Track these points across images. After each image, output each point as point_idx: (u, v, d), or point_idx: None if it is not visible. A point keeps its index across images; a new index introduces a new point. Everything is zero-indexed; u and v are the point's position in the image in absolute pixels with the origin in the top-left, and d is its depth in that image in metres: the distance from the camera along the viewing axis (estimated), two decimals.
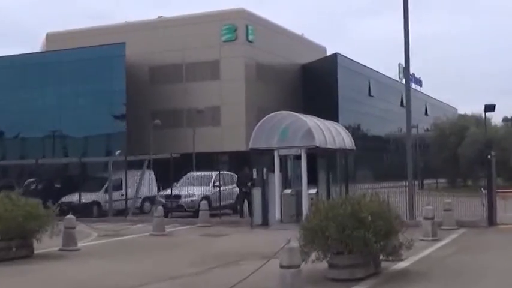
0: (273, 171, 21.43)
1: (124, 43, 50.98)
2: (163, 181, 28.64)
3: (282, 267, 9.06)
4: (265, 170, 21.91)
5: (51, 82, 52.63)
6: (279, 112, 22.26)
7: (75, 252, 15.76)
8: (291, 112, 22.28)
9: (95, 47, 51.77)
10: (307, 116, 22.24)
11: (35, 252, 15.15)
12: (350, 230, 10.58)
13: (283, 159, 22.48)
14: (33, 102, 52.82)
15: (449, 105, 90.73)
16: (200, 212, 22.93)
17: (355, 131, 54.27)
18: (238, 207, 25.40)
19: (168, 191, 26.10)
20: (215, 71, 54.10)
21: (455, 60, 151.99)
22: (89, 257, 15.01)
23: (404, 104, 72.57)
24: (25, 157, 44.31)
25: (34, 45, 66.12)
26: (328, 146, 21.19)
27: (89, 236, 19.73)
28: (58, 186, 29.35)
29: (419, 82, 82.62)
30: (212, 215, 24.24)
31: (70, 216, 16.49)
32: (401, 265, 12.09)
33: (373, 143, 64.48)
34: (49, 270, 13.24)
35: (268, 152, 21.65)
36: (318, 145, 20.41)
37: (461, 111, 73.88)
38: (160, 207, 20.70)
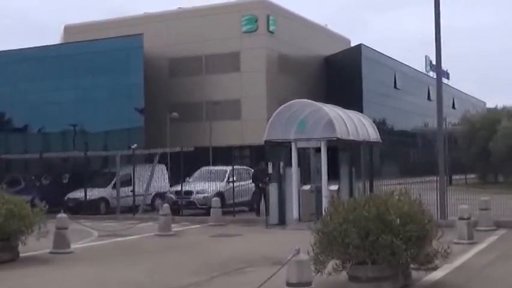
0: (291, 166, 19.61)
1: (142, 34, 49.71)
2: (178, 176, 27.03)
3: (289, 285, 7.28)
4: (281, 164, 20.11)
5: (68, 75, 51.54)
6: (297, 100, 20.42)
7: (66, 255, 14.10)
8: (310, 101, 20.41)
9: (112, 38, 50.71)
10: (328, 105, 20.40)
11: (22, 255, 13.55)
12: (375, 236, 8.77)
13: (301, 153, 20.71)
14: (50, 95, 51.76)
15: (477, 99, 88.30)
16: (212, 210, 21.21)
17: (380, 125, 52.36)
18: (255, 204, 23.60)
19: (179, 187, 24.38)
20: (235, 63, 52.57)
21: (482, 53, 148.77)
22: (79, 261, 13.34)
23: (432, 98, 70.85)
24: (41, 152, 42.98)
25: (53, 39, 65.11)
26: (351, 138, 19.32)
27: (89, 236, 18.14)
28: (66, 181, 27.71)
29: (446, 75, 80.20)
30: (226, 213, 22.56)
31: (61, 215, 14.87)
32: (435, 276, 10.21)
33: (399, 138, 62.52)
34: (27, 277, 11.57)
35: (286, 145, 19.86)
36: (339, 137, 18.54)
37: (489, 105, 71.65)
38: (166, 205, 18.97)
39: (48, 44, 55.43)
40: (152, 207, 26.28)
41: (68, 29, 60.96)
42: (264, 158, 21.06)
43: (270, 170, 20.21)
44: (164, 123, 45.91)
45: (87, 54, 51.24)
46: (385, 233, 8.82)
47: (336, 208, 9.45)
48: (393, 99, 64.06)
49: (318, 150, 19.60)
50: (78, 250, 14.96)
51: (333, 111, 19.58)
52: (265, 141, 19.66)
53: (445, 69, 79.71)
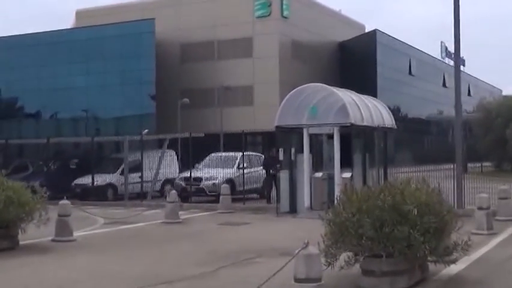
0: (302, 152, 18.98)
1: (153, 19, 49.19)
2: (189, 163, 26.53)
3: (297, 280, 6.68)
4: (293, 150, 19.48)
5: (79, 60, 51.13)
6: (309, 85, 19.75)
7: (68, 243, 13.57)
8: (323, 85, 19.74)
9: (124, 23, 50.23)
10: (342, 89, 19.72)
11: (22, 243, 13.04)
12: (390, 227, 8.17)
13: (314, 139, 20.08)
14: (61, 80, 51.41)
15: (493, 86, 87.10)
16: (221, 197, 20.63)
17: (394, 112, 51.60)
18: (265, 191, 22.98)
19: (194, 173, 23.83)
20: (248, 48, 51.95)
21: (498, 41, 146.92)
22: (80, 250, 12.80)
23: (447, 84, 69.79)
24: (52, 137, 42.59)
25: (65, 25, 64.56)
26: (365, 124, 18.65)
27: (94, 223, 17.62)
28: (74, 167, 27.19)
29: (462, 62, 78.84)
30: (236, 200, 22.01)
31: (64, 201, 14.30)
32: (454, 269, 9.55)
33: (414, 125, 61.70)
34: (23, 266, 11.04)
35: (297, 131, 19.23)
36: (353, 122, 17.87)
37: (506, 93, 70.54)
38: (173, 192, 18.38)
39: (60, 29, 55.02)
40: (161, 194, 25.66)
41: (79, 14, 60.57)
42: (275, 144, 20.46)
43: (281, 157, 19.59)
44: (176, 109, 45.36)
45: (98, 40, 50.80)
46: (402, 224, 8.21)
47: (349, 197, 8.84)
48: (408, 85, 63.21)
49: (331, 136, 18.98)
50: (81, 238, 14.43)
51: (346, 95, 18.91)
52: (276, 127, 19.01)
53: (461, 56, 78.51)
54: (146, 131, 30.55)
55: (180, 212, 19.44)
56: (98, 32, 51.26)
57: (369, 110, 19.27)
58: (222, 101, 46.85)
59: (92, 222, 17.37)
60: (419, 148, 62.30)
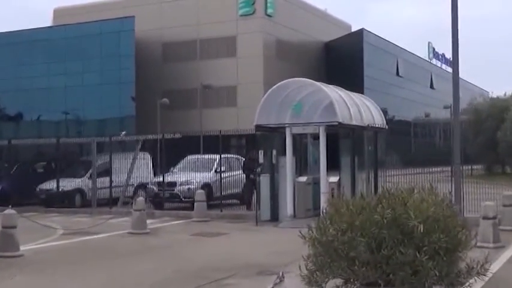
0: (285, 154, 17.22)
1: (133, 17, 47.75)
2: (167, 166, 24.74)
3: None
4: (274, 152, 17.70)
5: (57, 59, 49.46)
6: (294, 79, 18.01)
7: (12, 259, 11.69)
8: (309, 80, 17.98)
9: (102, 21, 48.79)
10: (329, 85, 17.98)
11: None
12: (391, 249, 6.39)
13: (298, 140, 18.35)
14: (39, 80, 49.72)
15: (481, 89, 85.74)
16: (196, 204, 18.76)
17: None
18: (246, 197, 21.13)
19: (168, 177, 21.99)
20: (231, 47, 50.62)
21: (486, 43, 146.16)
22: (23, 269, 10.92)
23: (435, 86, 68.44)
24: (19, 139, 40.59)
25: (44, 23, 62.54)
26: (354, 123, 16.90)
27: (52, 234, 15.73)
28: (41, 170, 25.21)
29: (449, 63, 77.65)
30: (214, 207, 20.22)
31: (10, 211, 12.38)
32: None
33: (401, 127, 60.26)
34: None
35: (279, 130, 17.48)
36: (340, 121, 16.11)
37: (493, 96, 69.34)
38: (140, 199, 16.53)
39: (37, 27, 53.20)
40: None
41: (57, 12, 59.10)
42: (255, 146, 18.69)
43: (261, 159, 17.80)
44: (157, 110, 43.64)
45: (77, 38, 49.27)
46: (405, 244, 6.44)
47: (338, 209, 7.05)
48: (395, 87, 61.86)
49: (317, 137, 17.24)
50: (31, 252, 12.57)
51: (334, 92, 17.17)
52: (256, 126, 17.23)
53: (448, 57, 77.30)
54: (124, 132, 28.71)
55: (151, 221, 17.72)
56: (77, 31, 49.76)
57: (358, 108, 17.55)
58: (203, 101, 45.17)
59: (48, 233, 15.48)
60: (407, 151, 60.89)
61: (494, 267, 10.39)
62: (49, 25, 57.44)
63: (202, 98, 45.48)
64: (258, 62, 49.47)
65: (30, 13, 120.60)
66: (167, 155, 22.51)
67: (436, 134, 68.05)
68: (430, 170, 20.69)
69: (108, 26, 48.46)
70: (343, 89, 18.25)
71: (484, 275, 7.13)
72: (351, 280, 6.70)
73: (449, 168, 25.68)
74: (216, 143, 21.51)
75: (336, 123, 16.15)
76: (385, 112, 55.92)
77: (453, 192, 16.74)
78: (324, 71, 55.34)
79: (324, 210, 7.20)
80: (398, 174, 18.76)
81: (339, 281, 6.79)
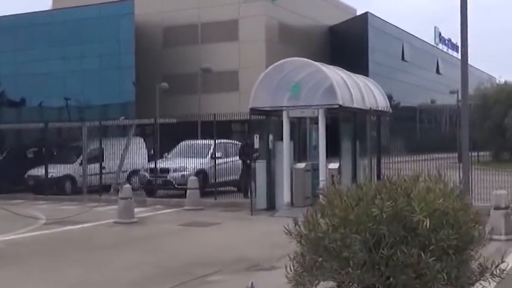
0: (282, 139, 16.21)
1: (133, 0, 46.43)
2: (163, 151, 23.82)
3: None
4: (271, 137, 16.67)
5: (56, 44, 48.41)
6: (292, 59, 16.97)
7: None
8: (307, 60, 16.89)
9: (101, 4, 47.56)
10: (330, 66, 16.94)
11: None
12: (391, 248, 5.41)
13: (296, 124, 17.36)
14: (37, 65, 48.67)
15: (488, 74, 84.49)
16: (188, 192, 17.79)
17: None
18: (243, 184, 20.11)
19: (161, 164, 21.04)
20: (233, 31, 49.33)
21: (495, 29, 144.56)
22: None
23: (441, 71, 67.26)
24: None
25: (43, 7, 61.50)
26: (355, 106, 15.85)
27: (33, 223, 14.80)
28: (31, 156, 24.20)
29: (456, 48, 76.53)
30: (209, 195, 19.27)
31: None
32: None
33: (407, 113, 59.19)
34: None
35: (276, 114, 16.46)
36: (341, 104, 15.07)
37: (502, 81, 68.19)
38: (126, 186, 15.53)
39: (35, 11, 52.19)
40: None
41: None
42: (250, 131, 17.69)
43: (257, 145, 16.80)
44: (159, 95, 42.76)
45: (75, 22, 48.19)
46: (407, 242, 5.46)
47: (331, 200, 6.06)
48: (401, 72, 60.68)
49: (317, 121, 16.21)
50: (5, 244, 11.69)
51: (334, 73, 16.14)
52: (251, 109, 16.21)
53: (455, 42, 76.11)
54: (122, 117, 27.78)
55: (141, 209, 16.86)
56: (75, 15, 48.63)
57: (360, 91, 16.51)
58: (205, 86, 44.18)
59: (28, 223, 14.54)
60: (413, 137, 59.95)
61: (510, 263, 9.41)
62: (48, 9, 56.44)
63: (203, 82, 44.48)
64: (260, 46, 48.36)
65: None
66: (164, 140, 21.57)
67: (442, 120, 66.94)
68: (436, 156, 19.72)
69: (107, 9, 47.40)
70: (345, 70, 17.21)
71: (500, 277, 6.16)
72: (345, 283, 5.74)
73: (456, 155, 24.73)
74: (219, 129, 20.56)
75: (336, 106, 15.11)
76: (390, 97, 55.08)
77: (461, 180, 15.79)
78: (328, 55, 54.13)
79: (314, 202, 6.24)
80: (402, 160, 17.74)
81: (330, 284, 5.83)
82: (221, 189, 20.59)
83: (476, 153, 44.31)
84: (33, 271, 9.49)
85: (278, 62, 16.38)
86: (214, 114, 19.85)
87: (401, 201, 5.66)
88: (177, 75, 48.96)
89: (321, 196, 6.79)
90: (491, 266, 6.09)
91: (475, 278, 6.02)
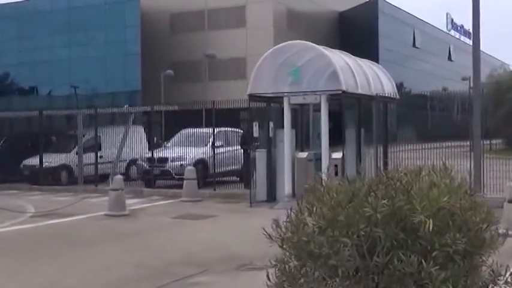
0: (283, 127, 15.36)
1: None
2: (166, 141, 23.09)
3: None
4: (271, 125, 15.83)
5: (60, 31, 47.88)
6: (292, 42, 16.10)
7: None
8: (309, 43, 15.96)
9: None
10: (333, 50, 16.05)
11: None
12: (387, 254, 4.57)
13: (299, 111, 16.52)
14: (41, 53, 48.18)
15: (501, 61, 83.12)
16: (185, 182, 16.97)
17: (397, 87, 48.51)
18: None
19: (159, 153, 20.27)
20: (240, 17, 48.58)
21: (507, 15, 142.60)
22: None
23: (453, 58, 66.07)
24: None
25: None
26: (360, 92, 14.97)
27: (20, 215, 14.06)
28: (28, 145, 23.44)
29: (468, 34, 75.20)
30: (210, 185, 18.49)
31: None
32: None
33: (417, 100, 58.11)
34: None
35: (277, 100, 15.62)
36: (345, 89, 14.19)
37: None
38: (118, 177, 14.71)
39: None
40: (127, 177, 21.97)
41: None
42: (249, 118, 16.83)
43: (256, 133, 15.96)
44: (164, 83, 42.04)
45: (80, 9, 47.61)
46: (407, 247, 4.63)
47: (319, 197, 5.23)
48: (412, 58, 59.61)
49: (320, 107, 15.33)
50: None
51: (338, 57, 15.27)
52: (250, 96, 15.36)
53: (467, 29, 74.80)
54: (126, 106, 27.03)
55: (136, 200, 16.17)
56: (80, 1, 48.01)
57: (365, 76, 15.63)
58: (212, 73, 43.51)
59: (15, 216, 13.80)
60: (424, 125, 58.90)
61: None
62: None
63: (210, 70, 43.76)
64: (268, 32, 47.49)
65: None
66: (168, 128, 20.78)
67: (454, 108, 65.84)
68: (448, 144, 18.88)
69: None
70: (349, 54, 16.33)
71: None
72: None
73: (468, 143, 23.79)
74: (222, 116, 19.74)
75: (340, 92, 14.23)
76: (401, 85, 54.31)
77: (472, 170, 14.91)
78: (338, 42, 53.19)
79: (299, 199, 5.41)
80: (412, 149, 16.85)
81: None
82: (223, 179, 19.84)
83: (488, 142, 43.42)
84: (4, 269, 8.73)
85: (279, 45, 15.54)
86: (213, 102, 19.04)
87: (400, 198, 4.82)
88: (184, 62, 48.32)
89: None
90: (506, 272, 5.24)
91: (485, 285, 5.17)
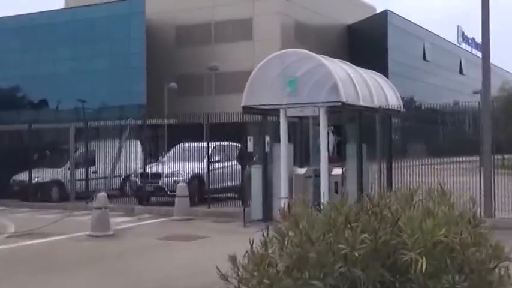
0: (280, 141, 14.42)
1: None
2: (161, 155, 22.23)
3: None
4: (267, 139, 14.89)
5: (65, 44, 47.35)
6: (289, 51, 15.29)
7: None
8: (307, 52, 15.05)
9: (112, 3, 46.64)
10: (334, 60, 15.12)
11: None
12: None
13: (298, 125, 15.60)
14: (45, 66, 47.62)
15: None
16: (177, 200, 16.02)
17: (407, 101, 47.63)
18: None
19: (153, 168, 19.39)
20: (247, 30, 47.86)
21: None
22: None
23: (464, 71, 65.05)
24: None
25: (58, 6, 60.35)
26: (362, 104, 14.01)
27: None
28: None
29: (479, 47, 74.19)
30: (205, 202, 17.56)
31: None
32: None
33: (428, 114, 57.06)
34: None
35: (274, 113, 14.69)
36: (344, 101, 13.23)
37: None
38: (101, 194, 13.78)
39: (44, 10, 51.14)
40: (122, 193, 21.09)
41: None
42: (243, 132, 15.89)
43: (251, 148, 15.02)
44: (170, 96, 41.33)
45: (84, 21, 47.07)
46: None
47: (292, 227, 4.31)
48: (422, 72, 58.61)
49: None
50: None
51: (338, 67, 14.34)
52: (244, 108, 14.45)
53: (479, 42, 73.76)
54: (129, 119, 26.21)
55: (126, 218, 15.27)
56: (84, 14, 47.58)
57: (367, 87, 14.67)
58: (218, 87, 42.67)
59: None
60: (434, 139, 57.88)
61: None
62: (61, 8, 55.53)
63: (216, 83, 43.01)
64: (275, 45, 46.54)
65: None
66: (170, 142, 19.87)
67: (465, 122, 64.72)
68: (458, 160, 18.01)
69: (117, 8, 46.45)
70: (351, 64, 15.41)
71: None
72: None
73: (477, 157, 22.78)
74: (222, 130, 18.88)
75: (339, 104, 13.28)
76: (411, 98, 53.29)
77: (482, 187, 13.93)
78: (346, 54, 52.32)
79: (264, 231, 4.50)
80: (419, 165, 15.89)
81: None
82: (221, 195, 18.91)
83: (500, 156, 42.29)
84: None
85: (273, 55, 14.67)
86: (208, 114, 18.15)
87: (386, 231, 3.89)
88: (190, 75, 47.66)
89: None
90: None
91: None
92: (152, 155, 21.66)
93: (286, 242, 4.28)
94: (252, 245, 4.28)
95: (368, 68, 16.73)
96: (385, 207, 4.14)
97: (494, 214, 13.72)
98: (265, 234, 4.41)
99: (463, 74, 70.46)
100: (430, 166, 15.57)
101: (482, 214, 13.65)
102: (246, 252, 4.22)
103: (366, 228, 3.87)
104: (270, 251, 4.36)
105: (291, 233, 4.30)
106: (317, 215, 4.34)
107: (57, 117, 45.20)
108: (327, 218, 4.07)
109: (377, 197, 4.28)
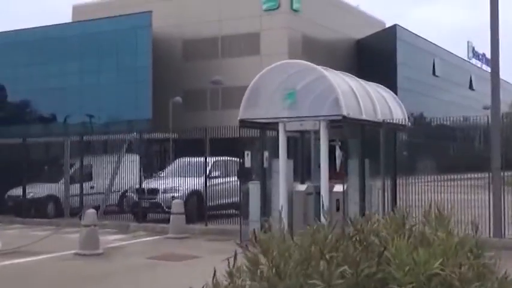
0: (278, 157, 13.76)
1: (150, 12, 45.00)
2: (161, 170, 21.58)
3: None
4: (266, 154, 14.24)
5: (72, 58, 47.06)
6: (289, 62, 14.82)
7: None
8: (307, 63, 14.43)
9: (118, 17, 46.30)
10: (335, 71, 14.47)
11: None
12: None
13: (299, 139, 14.96)
14: (53, 80, 47.36)
15: None
16: (172, 217, 15.37)
17: (417, 116, 47.02)
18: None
19: (150, 184, 18.77)
20: (255, 45, 47.37)
21: None
22: None
23: (474, 87, 64.35)
24: None
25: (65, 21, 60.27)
26: (364, 118, 13.34)
27: None
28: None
29: (488, 62, 73.48)
30: (203, 219, 16.91)
31: None
32: None
33: (438, 130, 56.32)
34: None
35: (272, 127, 14.06)
36: (345, 115, 12.57)
37: None
38: (90, 211, 13.17)
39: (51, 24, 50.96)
40: (120, 209, 20.47)
41: (76, 9, 57.01)
42: (239, 147, 15.24)
43: (248, 163, 14.38)
44: (177, 110, 40.82)
45: (91, 35, 46.78)
46: None
47: (263, 255, 3.69)
48: (432, 87, 57.90)
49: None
50: None
51: (340, 79, 13.69)
52: (240, 122, 13.82)
53: (489, 57, 73.08)
54: (134, 133, 25.68)
55: (119, 236, 14.67)
56: (91, 28, 47.27)
57: (371, 100, 14.01)
58: (225, 101, 42.23)
59: None
60: (442, 155, 57.09)
61: None
62: (67, 22, 55.38)
63: (223, 98, 42.60)
64: (283, 60, 45.88)
65: (50, 11, 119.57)
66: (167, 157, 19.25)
67: (475, 137, 63.95)
68: (468, 176, 17.39)
69: (123, 22, 46.08)
70: (354, 76, 14.79)
71: None
72: None
73: (486, 174, 22.09)
74: (225, 145, 18.25)
75: (340, 117, 12.62)
76: (421, 114, 52.57)
77: (491, 205, 13.23)
78: (355, 69, 51.68)
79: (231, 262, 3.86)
80: (426, 181, 15.23)
81: None
82: (221, 212, 18.27)
83: (511, 173, 41.49)
84: None
85: (271, 66, 14.04)
86: (206, 129, 17.55)
87: (370, 264, 3.24)
88: (197, 90, 47.19)
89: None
90: None
91: None
92: (154, 170, 21.00)
93: (258, 272, 3.66)
94: (214, 277, 3.65)
95: (377, 83, 16.15)
96: (371, 234, 3.50)
97: (504, 234, 13.01)
98: (231, 264, 3.76)
99: (473, 90, 69.77)
100: (437, 183, 14.92)
101: (492, 234, 12.94)
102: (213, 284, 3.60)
103: (347, 259, 3.23)
104: (239, 281, 3.74)
105: (264, 261, 3.69)
106: (294, 242, 3.71)
107: (65, 131, 44.89)
108: (301, 247, 3.42)
109: (362, 220, 3.64)
